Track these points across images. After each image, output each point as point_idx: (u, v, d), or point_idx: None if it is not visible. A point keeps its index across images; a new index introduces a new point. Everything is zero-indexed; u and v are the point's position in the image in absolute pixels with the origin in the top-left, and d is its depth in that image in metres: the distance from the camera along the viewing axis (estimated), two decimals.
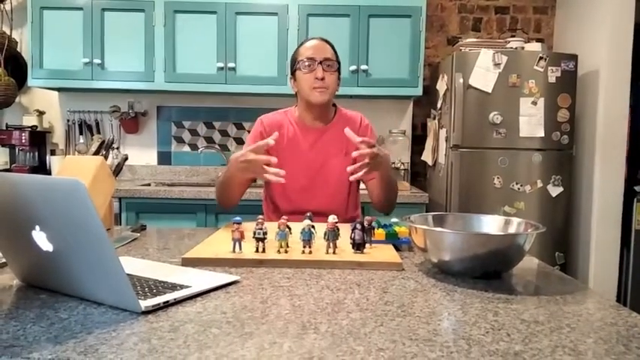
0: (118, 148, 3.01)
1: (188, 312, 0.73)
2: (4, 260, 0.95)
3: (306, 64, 1.53)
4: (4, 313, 0.72)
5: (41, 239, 0.75)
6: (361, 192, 1.72)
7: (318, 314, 0.73)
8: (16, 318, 0.70)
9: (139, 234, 1.36)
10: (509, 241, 0.96)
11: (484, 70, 2.53)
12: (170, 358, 0.58)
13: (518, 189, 2.56)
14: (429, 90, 2.98)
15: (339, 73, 1.60)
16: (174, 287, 0.82)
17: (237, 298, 0.81)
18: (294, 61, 1.58)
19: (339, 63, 1.58)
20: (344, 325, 0.69)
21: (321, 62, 1.52)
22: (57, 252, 0.75)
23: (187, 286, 0.83)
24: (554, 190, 2.59)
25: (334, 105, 1.66)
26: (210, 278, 0.89)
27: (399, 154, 2.95)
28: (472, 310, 0.77)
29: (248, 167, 1.35)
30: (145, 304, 0.73)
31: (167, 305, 0.75)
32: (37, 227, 0.74)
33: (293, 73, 1.59)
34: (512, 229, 1.08)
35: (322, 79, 1.52)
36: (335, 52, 1.59)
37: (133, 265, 0.98)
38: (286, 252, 1.08)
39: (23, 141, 2.89)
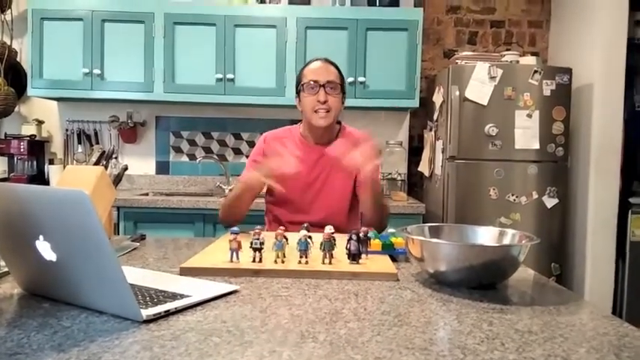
0: (116, 158, 3.02)
1: (189, 321, 0.75)
2: (6, 269, 0.96)
3: (310, 87, 1.55)
4: (7, 321, 0.73)
5: (45, 249, 0.77)
6: None
7: (316, 323, 0.75)
8: (20, 326, 0.71)
9: (138, 244, 1.37)
10: (504, 252, 0.98)
11: (480, 83, 2.56)
12: None
13: (514, 200, 2.58)
14: (426, 102, 3.01)
15: (344, 93, 1.62)
16: (174, 296, 0.83)
17: (236, 307, 0.82)
18: (299, 82, 1.61)
19: (343, 84, 1.61)
20: (342, 335, 0.70)
21: (323, 85, 1.54)
22: (60, 261, 0.77)
23: (188, 296, 0.84)
24: (550, 202, 2.61)
25: (339, 122, 1.69)
26: (210, 288, 0.91)
27: (396, 165, 2.98)
28: (467, 319, 0.79)
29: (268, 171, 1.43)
30: (147, 313, 0.74)
31: (168, 314, 0.77)
32: (41, 237, 0.76)
33: (298, 93, 1.62)
34: (506, 241, 1.09)
35: (325, 102, 1.54)
36: (339, 72, 1.61)
37: (133, 274, 0.99)
38: (283, 262, 1.09)
39: (22, 150, 2.90)
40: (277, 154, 1.46)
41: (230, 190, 1.70)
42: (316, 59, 1.63)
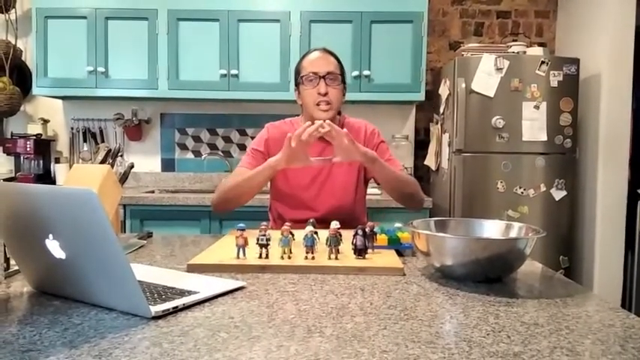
0: (122, 156, 3.04)
1: (197, 317, 0.75)
2: (16, 268, 0.97)
3: (310, 79, 1.53)
4: (19, 319, 0.74)
5: (54, 247, 0.78)
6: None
7: (323, 318, 0.75)
8: (31, 324, 0.72)
9: (145, 241, 1.38)
10: (510, 245, 0.98)
11: (486, 75, 2.55)
12: None
13: (522, 193, 2.57)
14: (432, 95, 3.00)
15: (344, 83, 1.59)
16: (182, 293, 0.84)
17: (244, 303, 0.83)
18: (298, 74, 1.58)
19: (343, 74, 1.57)
20: (348, 329, 0.71)
21: (323, 77, 1.51)
22: (69, 259, 0.78)
23: (195, 292, 0.85)
24: (558, 194, 2.59)
25: (339, 113, 1.66)
26: (217, 284, 0.91)
27: (402, 159, 2.96)
28: (473, 313, 0.79)
29: (296, 154, 1.38)
30: (155, 309, 0.75)
31: (176, 310, 0.77)
32: (51, 235, 0.77)
33: (297, 85, 1.60)
34: (513, 234, 1.09)
35: (325, 94, 1.51)
36: (339, 62, 1.58)
37: (141, 271, 1.00)
38: (289, 258, 1.10)
39: (28, 149, 2.92)
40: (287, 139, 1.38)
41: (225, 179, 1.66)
42: (315, 49, 1.60)
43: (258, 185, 1.50)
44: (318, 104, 1.53)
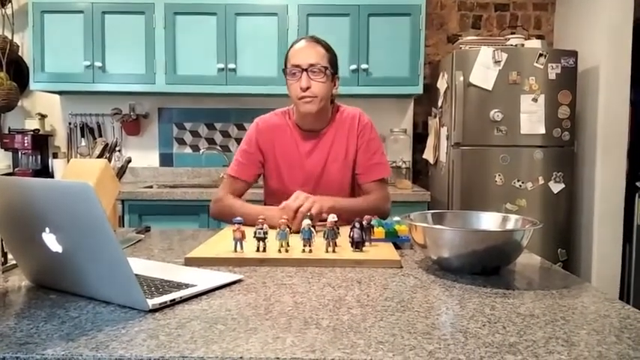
0: (120, 151, 3.03)
1: (194, 309, 0.76)
2: (14, 262, 0.98)
3: (292, 72, 1.46)
4: (16, 312, 0.74)
5: (51, 241, 0.78)
6: None
7: (319, 310, 0.76)
8: (29, 317, 0.72)
9: (143, 235, 1.38)
10: (506, 237, 0.98)
11: (484, 68, 2.54)
12: (178, 352, 0.60)
13: (520, 186, 2.57)
14: (430, 88, 2.99)
15: (335, 74, 1.52)
16: (179, 286, 0.84)
17: (241, 296, 0.83)
18: (285, 64, 1.52)
19: (331, 65, 1.49)
20: (345, 321, 0.71)
21: (306, 69, 1.44)
22: (66, 253, 0.78)
23: (193, 285, 0.85)
24: (556, 187, 2.60)
25: (333, 102, 1.59)
26: (215, 277, 0.92)
27: (401, 152, 2.97)
28: (470, 304, 0.79)
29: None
30: (152, 302, 0.75)
31: (173, 303, 0.78)
32: (47, 229, 0.77)
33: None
34: (509, 226, 1.09)
35: (307, 88, 1.44)
36: (328, 51, 1.50)
37: (139, 265, 1.00)
38: (287, 251, 1.10)
39: (26, 145, 2.92)
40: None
41: (223, 176, 1.63)
42: (302, 38, 1.52)
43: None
44: (301, 98, 1.46)
